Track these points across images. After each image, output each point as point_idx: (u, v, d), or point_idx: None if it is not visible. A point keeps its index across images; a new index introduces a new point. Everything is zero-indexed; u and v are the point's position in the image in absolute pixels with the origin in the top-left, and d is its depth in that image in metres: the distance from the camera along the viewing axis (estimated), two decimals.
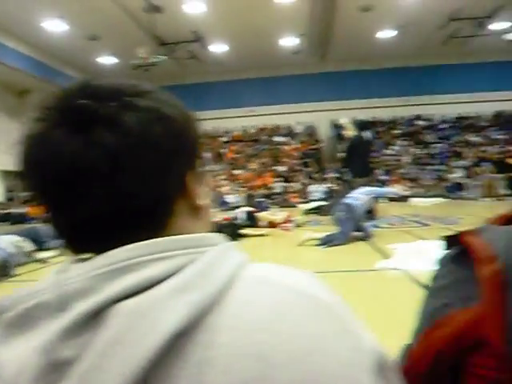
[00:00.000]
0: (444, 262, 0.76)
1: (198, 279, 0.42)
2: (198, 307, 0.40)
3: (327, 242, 5.74)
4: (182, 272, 0.42)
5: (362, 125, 9.23)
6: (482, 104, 20.07)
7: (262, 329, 0.40)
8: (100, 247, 0.45)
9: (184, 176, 0.50)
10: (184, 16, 14.60)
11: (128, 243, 0.44)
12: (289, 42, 17.96)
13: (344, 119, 9.68)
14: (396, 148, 19.39)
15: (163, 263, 0.43)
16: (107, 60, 18.32)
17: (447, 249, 0.77)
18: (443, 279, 0.73)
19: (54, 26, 14.40)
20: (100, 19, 14.04)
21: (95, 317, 0.40)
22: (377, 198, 6.89)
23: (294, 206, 14.42)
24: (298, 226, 8.13)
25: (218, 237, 0.51)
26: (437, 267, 0.78)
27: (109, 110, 0.45)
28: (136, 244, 0.44)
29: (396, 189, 6.74)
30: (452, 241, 0.75)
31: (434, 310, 0.71)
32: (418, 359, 0.72)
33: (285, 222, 8.03)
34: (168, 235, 0.46)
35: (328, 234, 5.86)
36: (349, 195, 6.37)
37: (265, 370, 0.38)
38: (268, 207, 10.67)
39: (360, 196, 6.22)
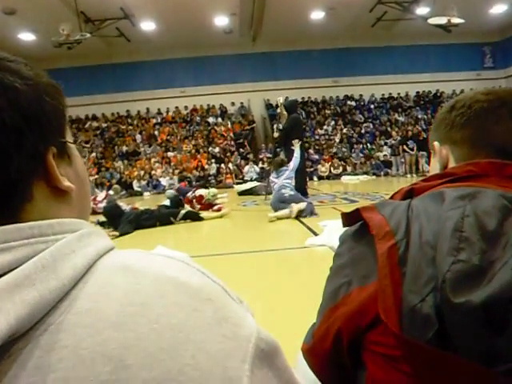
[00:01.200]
0: (344, 238, 0.75)
1: (39, 273, 0.36)
2: (35, 306, 0.35)
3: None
4: (22, 266, 0.36)
5: (294, 104, 9.17)
6: (407, 85, 20.98)
7: (115, 325, 0.36)
8: None
9: (41, 156, 0.44)
10: None
11: None
12: (220, 21, 17.67)
13: (280, 98, 9.69)
14: (327, 128, 19.83)
15: (0, 256, 0.36)
16: (26, 36, 17.08)
17: (347, 225, 0.76)
18: (343, 257, 0.73)
19: None
20: None
21: None
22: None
23: (231, 187, 14.43)
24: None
25: (79, 222, 0.45)
26: (338, 245, 0.77)
27: None
28: None
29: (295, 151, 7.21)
30: (352, 217, 0.74)
31: (336, 289, 0.70)
32: (322, 338, 0.72)
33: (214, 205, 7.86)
34: (24, 223, 0.40)
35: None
36: (281, 180, 6.61)
37: (116, 373, 0.33)
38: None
39: (289, 180, 6.68)
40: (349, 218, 0.75)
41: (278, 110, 9.27)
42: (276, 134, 8.88)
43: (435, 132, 0.88)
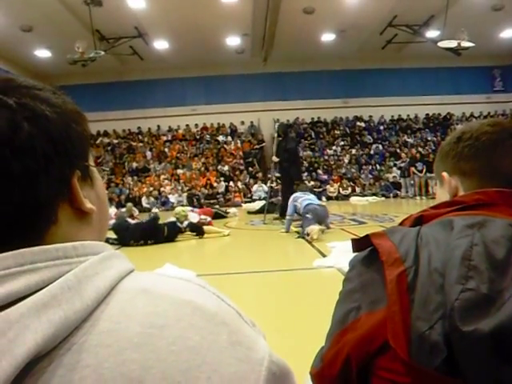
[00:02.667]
0: (353, 264, 0.76)
1: (64, 294, 0.38)
2: (61, 326, 0.36)
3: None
4: (49, 287, 0.38)
5: (287, 126, 9.40)
6: (416, 107, 21.02)
7: (135, 346, 0.37)
8: None
9: (67, 180, 0.46)
10: (125, 10, 14.17)
11: None
12: (232, 41, 17.92)
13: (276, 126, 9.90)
14: (336, 148, 19.87)
15: (28, 276, 0.38)
16: (42, 53, 17.42)
17: (357, 251, 0.77)
18: (352, 282, 0.73)
19: None
20: (35, 9, 13.29)
21: None
22: None
23: (239, 206, 14.47)
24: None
25: (100, 245, 0.47)
26: (348, 270, 0.78)
27: None
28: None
29: None
30: (362, 243, 0.75)
31: (345, 314, 0.71)
32: (330, 362, 0.72)
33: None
34: (48, 244, 0.42)
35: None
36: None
37: None
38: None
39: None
40: (359, 244, 0.76)
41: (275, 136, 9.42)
42: (275, 159, 8.94)
43: (442, 162, 0.89)
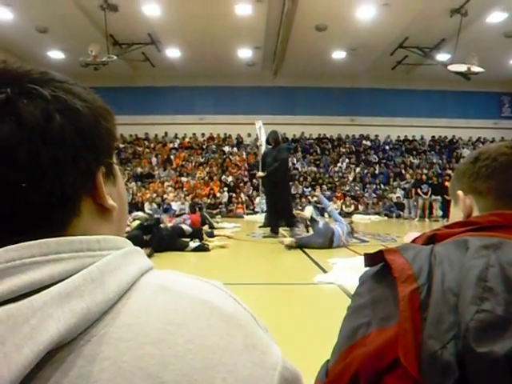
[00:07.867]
0: (364, 279, 0.76)
1: (87, 286, 0.38)
2: (83, 317, 0.36)
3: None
4: (72, 277, 0.38)
5: (278, 135, 9.02)
6: (423, 129, 21.08)
7: (154, 341, 0.37)
8: None
9: (92, 174, 0.47)
10: (140, 17, 14.31)
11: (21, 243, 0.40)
12: (244, 53, 18.07)
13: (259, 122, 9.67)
14: (341, 165, 19.89)
15: (52, 266, 0.39)
16: (55, 54, 17.60)
17: (369, 265, 0.77)
18: (363, 297, 0.73)
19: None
20: (52, 11, 13.47)
21: None
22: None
23: (241, 217, 14.46)
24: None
25: (122, 240, 0.47)
26: (358, 284, 0.77)
27: (3, 97, 0.41)
28: (23, 244, 0.39)
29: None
30: (374, 258, 0.75)
31: (354, 329, 0.70)
32: (337, 377, 0.71)
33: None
34: (70, 236, 0.42)
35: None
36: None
37: None
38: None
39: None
40: (371, 259, 0.75)
41: (259, 141, 9.15)
42: (261, 174, 8.65)
43: (458, 181, 0.89)
